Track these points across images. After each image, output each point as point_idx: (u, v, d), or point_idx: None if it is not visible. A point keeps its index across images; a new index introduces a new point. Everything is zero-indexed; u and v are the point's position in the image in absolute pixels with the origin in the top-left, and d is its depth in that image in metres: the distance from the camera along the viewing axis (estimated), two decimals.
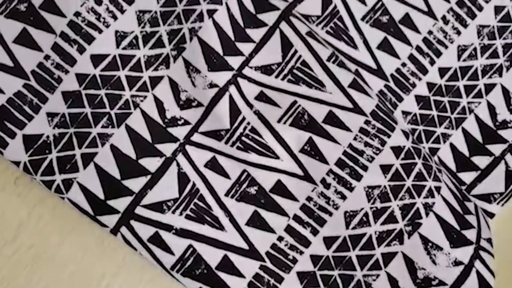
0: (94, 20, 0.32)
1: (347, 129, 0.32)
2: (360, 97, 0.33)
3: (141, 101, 0.33)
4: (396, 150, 0.32)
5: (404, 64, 0.36)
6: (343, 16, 0.36)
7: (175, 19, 0.33)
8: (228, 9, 0.33)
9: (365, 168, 0.32)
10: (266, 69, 0.33)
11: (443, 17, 0.37)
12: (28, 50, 0.32)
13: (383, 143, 0.32)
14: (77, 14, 0.32)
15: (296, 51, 0.33)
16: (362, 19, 0.36)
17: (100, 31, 0.32)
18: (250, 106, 0.33)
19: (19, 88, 0.32)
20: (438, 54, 0.37)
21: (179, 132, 0.33)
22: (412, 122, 0.36)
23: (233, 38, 0.33)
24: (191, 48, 0.32)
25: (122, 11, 0.33)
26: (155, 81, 0.33)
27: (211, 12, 0.32)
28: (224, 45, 0.32)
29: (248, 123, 0.33)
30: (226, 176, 0.33)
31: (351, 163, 0.32)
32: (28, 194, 0.33)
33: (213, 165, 0.33)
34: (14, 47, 0.32)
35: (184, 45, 0.33)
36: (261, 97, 0.33)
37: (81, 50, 0.32)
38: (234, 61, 0.33)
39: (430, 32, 0.37)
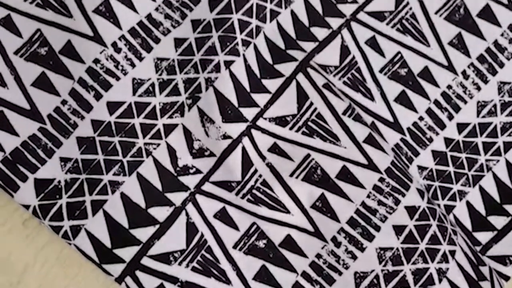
0: (112, 67, 0.33)
1: (361, 186, 0.32)
2: (375, 153, 0.33)
3: (154, 149, 0.33)
4: (411, 210, 0.32)
5: (421, 118, 0.36)
6: (361, 67, 0.36)
7: (192, 68, 0.34)
8: (245, 60, 0.33)
9: (377, 228, 0.32)
10: (281, 121, 0.34)
11: (463, 72, 0.37)
12: (45, 94, 0.33)
13: (397, 202, 0.32)
14: (96, 61, 0.33)
15: (311, 103, 0.34)
16: (380, 71, 0.36)
17: (118, 78, 0.33)
18: (263, 158, 0.33)
19: (35, 131, 0.33)
20: (457, 109, 0.37)
21: (190, 181, 0.33)
22: (428, 177, 0.36)
23: (248, 90, 0.33)
24: (206, 98, 0.33)
25: (141, 59, 0.34)
26: (169, 129, 0.33)
27: (228, 63, 0.33)
28: (239, 96, 0.33)
29: (260, 176, 0.33)
30: (235, 227, 0.33)
31: (363, 223, 0.32)
32: (35, 236, 0.33)
33: (222, 215, 0.33)
34: (32, 90, 0.33)
35: (200, 95, 0.33)
36: (274, 149, 0.33)
37: (98, 96, 0.33)
38: (249, 113, 0.33)
39: (449, 87, 0.37)
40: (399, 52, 0.37)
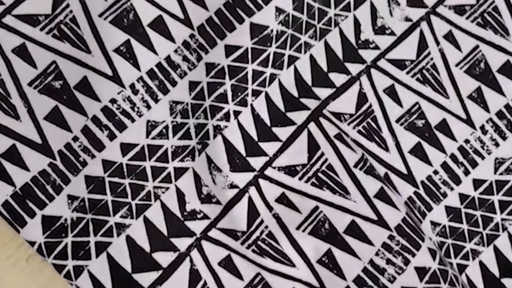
0: (128, 108, 0.33)
1: (369, 243, 0.32)
2: (386, 209, 0.32)
3: (163, 192, 0.33)
4: (421, 272, 0.31)
5: (436, 172, 0.36)
6: (377, 116, 0.36)
7: (202, 113, 0.34)
8: (253, 109, 0.33)
9: None
10: (290, 170, 0.33)
11: (482, 127, 0.36)
12: (57, 129, 0.33)
13: (406, 262, 0.31)
14: (113, 101, 0.33)
15: (322, 154, 0.33)
16: (397, 121, 0.36)
17: (133, 120, 0.33)
18: (270, 208, 0.33)
19: (45, 166, 0.33)
20: (474, 164, 0.36)
21: (197, 226, 0.33)
22: (440, 234, 0.35)
23: (256, 139, 0.33)
24: (214, 145, 0.33)
25: (157, 101, 0.34)
26: (179, 172, 0.34)
27: (237, 113, 0.33)
28: (247, 145, 0.33)
29: (266, 227, 0.33)
30: (240, 277, 0.33)
31: (370, 282, 0.31)
32: (38, 274, 0.33)
33: (227, 264, 0.33)
34: (44, 124, 0.33)
35: (208, 141, 0.33)
36: (282, 199, 0.33)
37: (112, 137, 0.33)
38: (257, 162, 0.33)
39: (467, 141, 0.36)
40: (417, 103, 0.36)
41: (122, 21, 0.33)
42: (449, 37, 0.37)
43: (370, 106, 0.36)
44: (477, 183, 0.36)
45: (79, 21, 0.32)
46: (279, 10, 0.34)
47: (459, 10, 0.37)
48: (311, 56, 0.35)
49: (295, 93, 0.35)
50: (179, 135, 0.34)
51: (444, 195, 0.36)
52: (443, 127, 0.36)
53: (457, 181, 0.36)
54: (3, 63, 0.32)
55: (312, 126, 0.34)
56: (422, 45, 0.37)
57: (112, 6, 0.33)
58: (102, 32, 0.32)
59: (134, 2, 0.33)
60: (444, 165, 0.36)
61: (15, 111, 0.33)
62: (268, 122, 0.34)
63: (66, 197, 0.33)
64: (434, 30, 0.37)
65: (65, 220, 0.33)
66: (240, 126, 0.33)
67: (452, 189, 0.36)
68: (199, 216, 0.33)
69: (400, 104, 0.36)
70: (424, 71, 0.37)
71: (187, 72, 0.34)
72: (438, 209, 0.36)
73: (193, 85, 0.34)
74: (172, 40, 0.34)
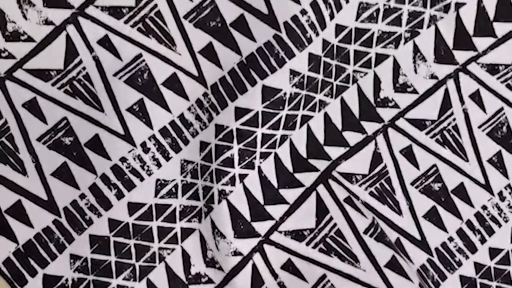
0: (138, 167, 0.33)
1: None
2: (397, 280, 0.32)
3: (168, 254, 0.33)
4: None
5: (451, 239, 0.35)
6: (391, 178, 0.35)
7: (209, 175, 0.33)
8: (260, 171, 0.33)
9: None
10: (297, 235, 0.33)
11: (500, 193, 0.36)
12: (64, 186, 0.33)
13: None
14: (123, 159, 0.33)
15: (331, 218, 0.33)
16: (412, 183, 0.35)
17: (142, 179, 0.33)
18: (275, 276, 0.33)
19: (49, 223, 0.33)
20: (490, 232, 0.35)
21: None
22: None
23: (262, 202, 0.33)
24: (219, 210, 0.32)
25: (168, 159, 0.33)
26: (186, 233, 0.33)
27: (242, 177, 0.33)
28: (252, 210, 0.32)
29: None
30: None
31: None
32: None
33: None
34: (51, 180, 0.33)
35: (212, 205, 0.33)
36: (288, 266, 0.33)
37: (120, 195, 0.33)
38: (262, 227, 0.33)
39: (484, 207, 0.35)
40: (434, 165, 0.36)
41: (137, 81, 0.32)
42: (475, 96, 0.36)
43: (385, 167, 0.35)
44: (493, 252, 0.35)
45: (92, 79, 0.32)
46: (293, 73, 0.33)
47: (492, 69, 0.36)
48: (326, 114, 0.35)
49: (304, 153, 0.34)
50: (188, 195, 0.33)
51: (459, 263, 0.35)
52: (461, 191, 0.36)
53: (473, 249, 0.35)
54: (13, 117, 0.32)
55: (321, 188, 0.33)
56: (446, 104, 0.36)
57: (128, 66, 0.32)
58: (116, 91, 0.32)
59: (149, 62, 0.32)
60: (460, 232, 0.35)
61: (23, 166, 0.33)
62: (275, 183, 0.33)
63: (68, 256, 0.32)
64: (461, 89, 0.36)
65: (66, 280, 0.32)
66: (246, 190, 0.33)
67: (467, 257, 0.35)
68: (203, 280, 0.33)
69: (416, 166, 0.36)
70: (445, 132, 0.36)
71: (199, 131, 0.34)
72: (452, 278, 0.35)
73: (203, 145, 0.34)
74: (186, 98, 0.33)
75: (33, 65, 0.32)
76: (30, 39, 0.32)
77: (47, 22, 0.32)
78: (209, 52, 0.33)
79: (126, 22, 0.32)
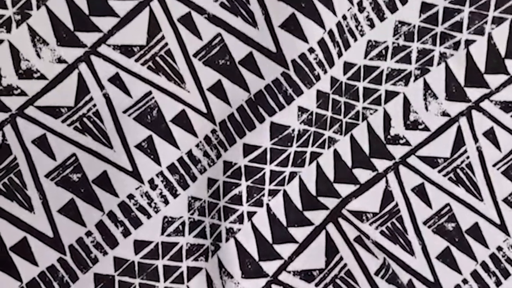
0: (145, 204, 0.33)
1: None
2: None
3: None
4: None
5: (465, 281, 0.34)
6: (403, 216, 0.35)
7: (216, 213, 0.33)
8: (269, 210, 0.33)
9: None
10: (306, 275, 0.32)
11: None
12: (71, 223, 0.33)
13: None
14: (131, 196, 0.33)
15: (341, 258, 0.32)
16: (425, 223, 0.34)
17: (149, 216, 0.33)
18: None
19: (54, 261, 0.32)
20: (506, 275, 0.34)
21: None
22: None
23: (271, 241, 0.32)
24: (226, 249, 0.32)
25: (176, 196, 0.33)
26: (192, 272, 0.33)
27: (251, 215, 0.32)
28: (261, 249, 0.32)
29: None
30: None
31: None
32: None
33: None
34: (57, 217, 0.33)
35: (220, 244, 0.32)
36: None
37: (126, 233, 0.33)
38: (270, 267, 0.32)
39: (499, 248, 0.34)
40: (448, 204, 0.35)
41: (146, 118, 0.33)
42: (490, 134, 0.36)
43: (396, 205, 0.35)
44: None
45: (102, 116, 0.33)
46: (302, 110, 0.33)
47: (506, 106, 0.36)
48: (335, 151, 0.35)
49: (313, 190, 0.34)
50: (194, 232, 0.33)
51: None
52: (475, 231, 0.35)
53: None
54: (22, 154, 0.33)
55: (330, 227, 0.33)
56: (459, 142, 0.36)
57: (137, 103, 0.33)
58: (125, 128, 0.33)
59: (158, 99, 0.33)
60: (475, 274, 0.34)
61: (29, 203, 0.33)
62: (284, 221, 0.33)
63: None
64: (474, 126, 0.36)
65: None
66: (254, 228, 0.32)
67: None
68: None
69: (429, 204, 0.35)
70: (458, 170, 0.35)
71: (207, 168, 0.34)
72: None
73: (211, 182, 0.33)
74: (195, 134, 0.33)
75: (45, 102, 0.33)
76: (42, 77, 0.32)
77: (60, 60, 0.32)
78: (217, 89, 0.33)
79: (136, 60, 0.33)
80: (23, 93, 0.32)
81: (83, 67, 0.32)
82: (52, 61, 0.32)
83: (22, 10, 0.32)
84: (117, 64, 0.32)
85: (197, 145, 0.33)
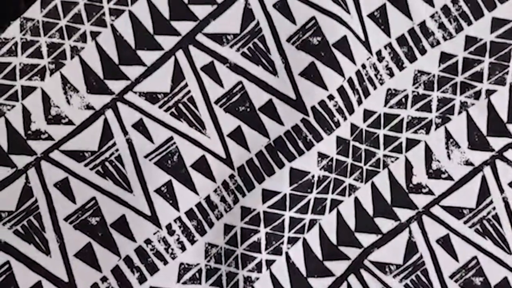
0: (162, 250, 0.33)
1: None
2: None
3: None
4: None
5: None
6: (428, 270, 0.33)
7: (233, 261, 0.32)
8: (288, 258, 0.32)
9: None
10: None
11: None
12: (87, 267, 0.32)
13: None
14: (148, 241, 0.33)
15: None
16: (451, 276, 0.33)
17: (166, 263, 0.32)
18: None
19: None
20: None
21: None
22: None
23: None
24: None
25: (193, 242, 0.33)
26: None
27: (269, 263, 0.32)
28: None
29: None
30: None
31: None
32: None
33: None
34: (74, 261, 0.33)
35: None
36: None
37: (142, 279, 0.32)
38: None
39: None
40: (475, 257, 0.34)
41: (166, 163, 0.33)
42: None
43: (421, 257, 0.33)
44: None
45: (124, 160, 0.33)
46: (321, 156, 0.33)
47: None
48: (356, 199, 0.34)
49: (334, 239, 0.33)
50: (211, 281, 0.33)
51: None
52: (504, 287, 0.33)
53: None
54: (44, 196, 0.33)
55: (352, 278, 0.32)
56: (484, 192, 0.35)
57: (159, 148, 0.34)
58: (145, 173, 0.33)
59: (180, 144, 0.33)
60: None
61: (47, 246, 0.33)
62: (304, 271, 0.32)
63: None
64: (499, 176, 0.35)
65: None
66: (273, 277, 0.32)
67: None
68: None
69: (455, 257, 0.34)
70: (484, 221, 0.34)
71: (223, 214, 0.33)
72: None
73: (227, 228, 0.33)
74: (213, 179, 0.34)
75: (69, 146, 0.34)
76: (70, 123, 0.34)
77: (88, 107, 0.34)
78: (237, 135, 0.34)
79: (160, 106, 0.34)
80: (49, 138, 0.33)
81: (109, 113, 0.34)
82: (80, 107, 0.34)
83: (56, 60, 0.34)
84: (141, 111, 0.34)
85: (215, 190, 0.33)
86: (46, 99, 0.34)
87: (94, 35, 0.34)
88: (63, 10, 0.34)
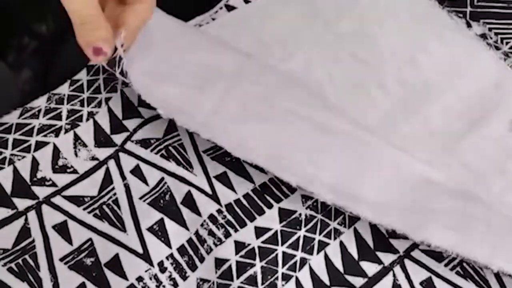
0: (154, 287, 0.33)
1: None
2: None
3: None
4: None
5: None
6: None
7: None
8: None
9: None
10: None
11: None
12: None
13: None
14: (140, 279, 0.33)
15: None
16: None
17: None
18: None
19: None
20: None
21: None
22: None
23: None
24: None
25: (185, 278, 0.33)
26: None
27: None
28: None
29: None
30: None
31: None
32: None
33: None
34: None
35: None
36: None
37: None
38: None
39: None
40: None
41: (159, 202, 0.36)
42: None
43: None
44: None
45: (120, 203, 0.36)
46: (305, 197, 0.36)
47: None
48: (341, 243, 0.36)
49: (326, 280, 0.34)
50: None
51: None
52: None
53: None
54: (41, 237, 0.34)
55: None
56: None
57: (152, 190, 0.36)
58: (139, 212, 0.35)
59: (170, 183, 0.36)
60: None
61: (40, 284, 0.33)
62: None
63: None
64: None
65: None
66: None
67: None
68: None
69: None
70: (464, 264, 0.35)
71: (213, 248, 0.34)
72: None
73: (219, 262, 0.34)
74: (199, 214, 0.35)
75: (71, 192, 0.36)
76: (74, 172, 0.37)
77: (93, 158, 0.37)
78: (223, 178, 0.37)
79: (152, 150, 0.37)
80: (53, 185, 0.36)
81: (111, 163, 0.37)
82: (86, 159, 0.37)
83: (73, 122, 0.39)
84: (137, 157, 0.37)
85: (202, 224, 0.35)
86: (56, 152, 0.37)
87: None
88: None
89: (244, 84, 0.38)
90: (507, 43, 0.45)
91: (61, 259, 0.34)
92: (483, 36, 0.44)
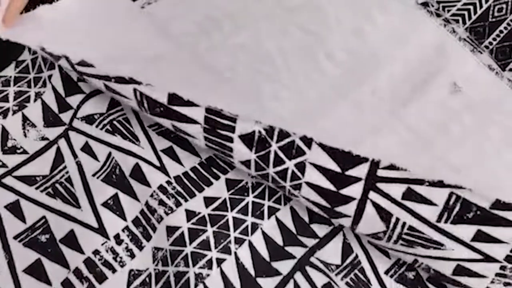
0: (111, 259, 0.34)
1: None
2: None
3: None
4: None
5: None
6: (364, 267, 0.35)
7: (182, 260, 0.33)
8: (237, 258, 0.33)
9: None
10: None
11: None
12: (36, 282, 0.33)
13: None
14: (96, 252, 0.34)
15: None
16: (386, 272, 0.35)
17: (114, 271, 0.33)
18: None
19: None
20: None
21: None
22: None
23: None
24: None
25: (141, 248, 0.34)
26: None
27: (220, 261, 0.33)
28: None
29: None
30: None
31: None
32: None
33: None
34: (22, 276, 0.33)
35: None
36: None
37: None
38: None
39: None
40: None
41: (112, 177, 0.36)
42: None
43: (356, 256, 0.36)
44: None
45: (73, 181, 0.36)
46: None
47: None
48: (291, 208, 0.37)
49: (279, 241, 0.35)
50: (160, 283, 0.33)
51: None
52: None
53: None
54: None
55: (298, 276, 0.33)
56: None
57: (103, 166, 0.37)
58: (93, 189, 0.36)
59: (117, 157, 0.37)
60: None
61: None
62: (252, 272, 0.33)
63: None
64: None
65: None
66: (223, 275, 0.33)
67: None
68: None
69: (387, 255, 0.36)
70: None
71: (164, 216, 0.35)
72: None
73: (171, 230, 0.34)
74: (148, 185, 0.36)
75: (22, 172, 0.36)
76: (24, 152, 0.37)
77: (43, 138, 0.38)
78: (170, 152, 0.37)
79: (97, 126, 0.38)
80: (4, 165, 0.36)
81: (62, 142, 0.37)
82: (36, 139, 0.38)
83: (21, 103, 0.39)
84: (86, 134, 0.38)
85: (152, 195, 0.35)
86: (4, 134, 0.37)
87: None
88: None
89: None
90: (448, 10, 0.47)
91: (15, 237, 0.34)
92: (425, 4, 0.46)
